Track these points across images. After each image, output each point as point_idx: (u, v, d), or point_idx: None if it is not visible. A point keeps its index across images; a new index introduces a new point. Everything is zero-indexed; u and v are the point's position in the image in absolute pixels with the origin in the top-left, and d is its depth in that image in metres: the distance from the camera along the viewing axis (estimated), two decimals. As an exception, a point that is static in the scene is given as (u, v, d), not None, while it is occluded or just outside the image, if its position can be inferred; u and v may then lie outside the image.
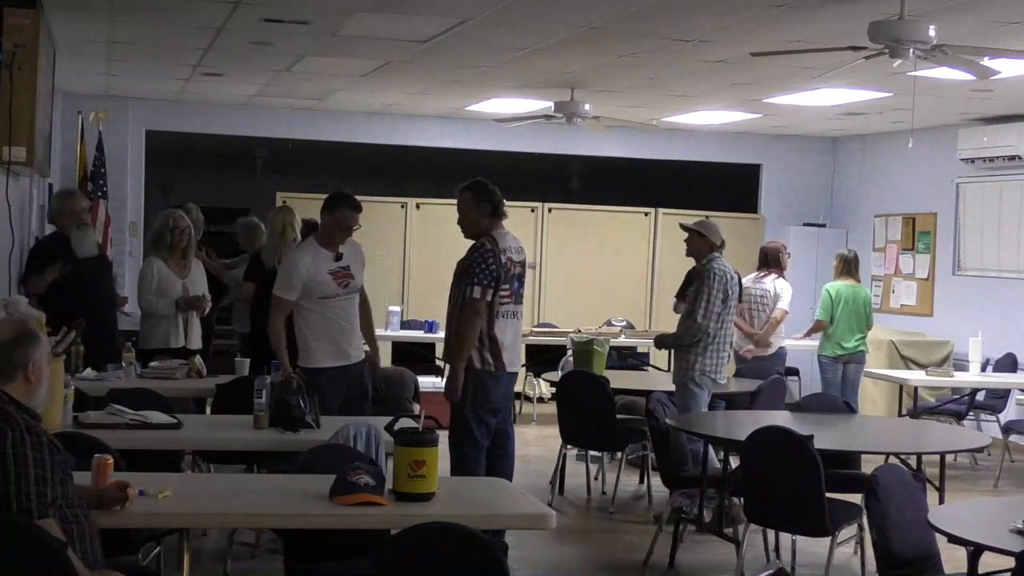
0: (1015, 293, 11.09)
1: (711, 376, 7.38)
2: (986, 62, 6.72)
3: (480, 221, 6.46)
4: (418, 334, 11.63)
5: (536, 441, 10.46)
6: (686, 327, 7.38)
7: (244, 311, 8.72)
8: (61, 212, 7.58)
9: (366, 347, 6.86)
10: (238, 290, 8.71)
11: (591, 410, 7.93)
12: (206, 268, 8.17)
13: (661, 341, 7.96)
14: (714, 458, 6.72)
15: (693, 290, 7.48)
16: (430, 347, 11.99)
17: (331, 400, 6.29)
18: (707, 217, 13.00)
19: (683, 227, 7.72)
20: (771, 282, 9.60)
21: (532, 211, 13.39)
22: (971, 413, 10.14)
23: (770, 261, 9.77)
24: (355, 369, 6.64)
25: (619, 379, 8.71)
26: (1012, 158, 10.88)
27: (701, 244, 7.57)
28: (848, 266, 10.11)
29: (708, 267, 7.45)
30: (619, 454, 8.26)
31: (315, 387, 5.98)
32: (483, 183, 6.53)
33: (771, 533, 6.57)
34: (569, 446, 8.26)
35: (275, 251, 8.04)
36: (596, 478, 8.62)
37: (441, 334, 11.48)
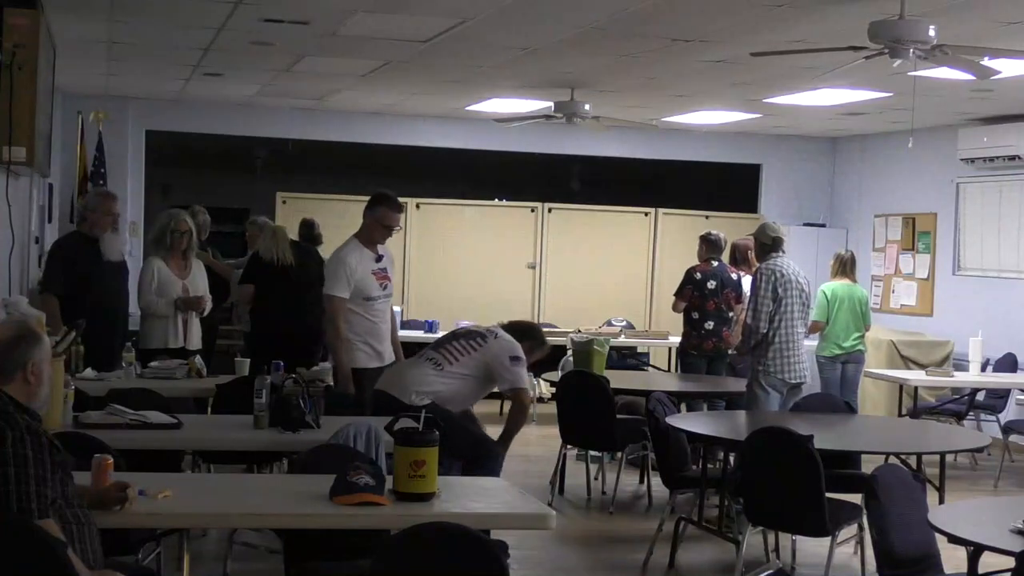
0: (1015, 293, 11.09)
1: (778, 377, 7.40)
2: (986, 62, 6.71)
3: None
4: (418, 334, 11.60)
5: (536, 441, 10.45)
6: (742, 331, 7.67)
7: (245, 311, 8.74)
8: (98, 212, 7.54)
9: None
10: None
11: (591, 410, 7.93)
12: (213, 269, 8.19)
13: (738, 350, 8.34)
14: None
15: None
16: (430, 347, 11.98)
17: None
18: (707, 217, 13.12)
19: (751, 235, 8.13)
20: (740, 280, 9.62)
21: (532, 211, 13.39)
22: (971, 413, 10.14)
23: (739, 259, 9.78)
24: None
25: (619, 379, 8.72)
26: (1012, 158, 10.88)
27: (758, 248, 7.82)
28: (844, 266, 10.12)
29: (758, 268, 7.63)
30: (619, 454, 8.26)
31: (356, 387, 6.28)
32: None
33: (771, 533, 6.57)
34: (569, 446, 8.26)
35: (270, 251, 8.17)
36: (596, 478, 8.62)
37: (441, 334, 11.57)
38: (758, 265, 7.66)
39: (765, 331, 7.40)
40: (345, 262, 6.61)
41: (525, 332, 6.33)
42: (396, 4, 7.03)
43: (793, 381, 7.49)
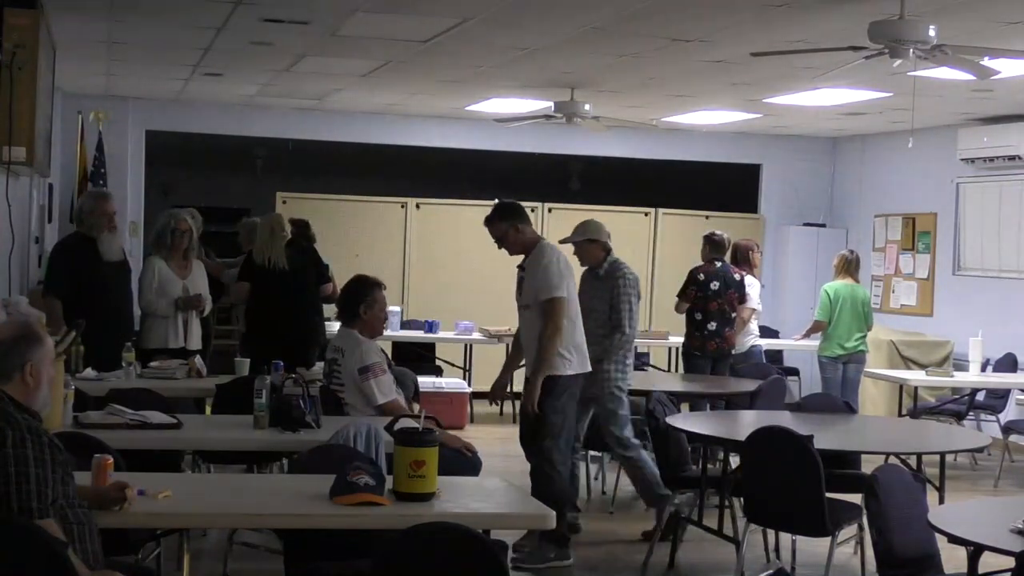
0: (1015, 293, 11.09)
1: (628, 384, 7.35)
2: (986, 62, 6.72)
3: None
4: (418, 334, 11.62)
5: (536, 441, 10.43)
6: (613, 341, 7.15)
7: (241, 311, 8.73)
8: (94, 212, 7.53)
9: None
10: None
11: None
12: (206, 268, 8.18)
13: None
14: None
15: (609, 299, 7.19)
16: (430, 347, 11.98)
17: (568, 406, 6.59)
18: (707, 217, 13.11)
19: (571, 241, 7.32)
20: (743, 280, 9.60)
21: (532, 211, 13.36)
22: (971, 413, 10.14)
23: (740, 259, 9.78)
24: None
25: (619, 379, 8.70)
26: (1012, 158, 10.88)
27: (598, 250, 7.30)
28: (848, 266, 10.12)
29: (620, 272, 7.22)
30: (619, 454, 8.24)
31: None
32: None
33: (771, 533, 6.57)
34: (569, 446, 8.25)
35: (264, 252, 8.14)
36: (596, 478, 8.62)
37: (441, 334, 11.58)
38: (620, 270, 7.27)
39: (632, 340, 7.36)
40: (552, 261, 6.54)
41: (357, 296, 5.99)
42: (396, 4, 7.03)
43: (628, 388, 7.45)
